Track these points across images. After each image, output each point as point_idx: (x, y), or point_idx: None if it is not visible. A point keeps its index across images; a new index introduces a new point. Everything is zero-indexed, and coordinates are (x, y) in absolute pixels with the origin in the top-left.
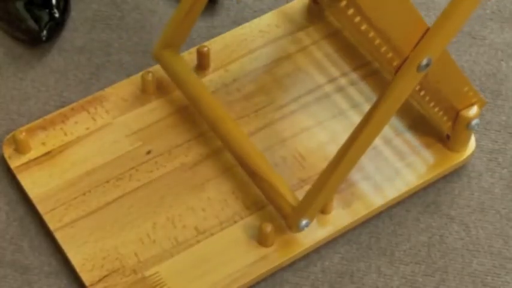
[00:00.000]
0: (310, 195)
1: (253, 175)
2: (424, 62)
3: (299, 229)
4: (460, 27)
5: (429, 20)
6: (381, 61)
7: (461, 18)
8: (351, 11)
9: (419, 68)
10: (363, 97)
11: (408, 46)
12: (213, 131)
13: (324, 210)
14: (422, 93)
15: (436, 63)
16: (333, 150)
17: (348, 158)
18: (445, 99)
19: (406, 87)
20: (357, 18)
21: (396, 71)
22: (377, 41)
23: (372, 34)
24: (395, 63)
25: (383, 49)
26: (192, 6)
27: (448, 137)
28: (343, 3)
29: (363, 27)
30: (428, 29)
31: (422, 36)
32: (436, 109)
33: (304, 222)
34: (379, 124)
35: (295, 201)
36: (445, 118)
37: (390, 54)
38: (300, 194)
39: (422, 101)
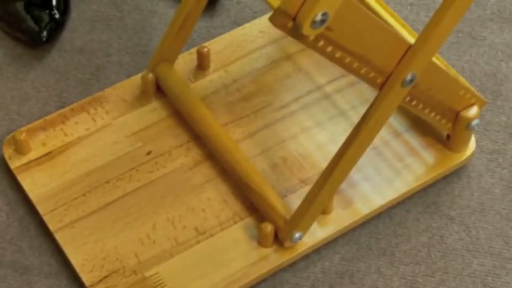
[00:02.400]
0: (302, 209)
1: (247, 188)
2: (409, 77)
3: (292, 242)
4: (443, 41)
5: None
6: (363, 80)
7: (443, 33)
8: (321, 43)
9: (403, 84)
10: (363, 98)
11: (390, 64)
12: (208, 143)
13: (324, 211)
14: (414, 102)
15: (424, 74)
16: (332, 150)
17: (338, 171)
18: (440, 104)
19: (391, 102)
20: (329, 48)
21: (380, 87)
22: (355, 65)
23: (348, 59)
24: (379, 81)
25: (363, 71)
26: (185, 21)
27: (448, 137)
28: (311, 38)
29: (338, 55)
30: (410, 46)
31: (405, 53)
32: (432, 114)
33: (297, 235)
34: (367, 138)
35: (288, 213)
36: (443, 121)
37: (372, 74)
38: (300, 195)
39: (415, 109)
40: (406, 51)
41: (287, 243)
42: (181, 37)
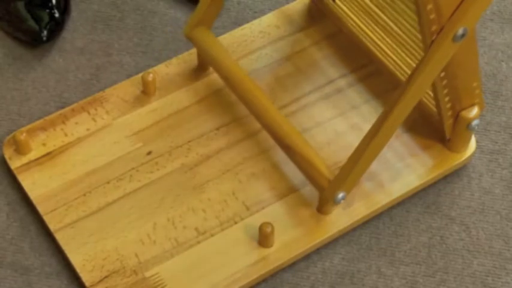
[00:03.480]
0: (347, 168)
1: (289, 150)
2: (460, 31)
3: (336, 202)
4: None
5: None
6: (423, 20)
7: None
8: None
9: (455, 38)
10: (363, 98)
11: (450, 8)
12: (247, 106)
13: (324, 211)
14: (442, 74)
15: (466, 42)
16: (333, 150)
17: (384, 129)
18: (457, 88)
19: (442, 56)
20: None
21: (432, 42)
22: None
23: None
24: (433, 28)
25: (429, 7)
26: None
27: (448, 140)
28: None
29: None
30: None
31: (460, 3)
32: (447, 98)
33: (340, 195)
34: (415, 94)
35: (331, 174)
36: (449, 113)
37: (433, 15)
38: (301, 195)
39: (439, 84)
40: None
41: (331, 204)
42: (218, 0)
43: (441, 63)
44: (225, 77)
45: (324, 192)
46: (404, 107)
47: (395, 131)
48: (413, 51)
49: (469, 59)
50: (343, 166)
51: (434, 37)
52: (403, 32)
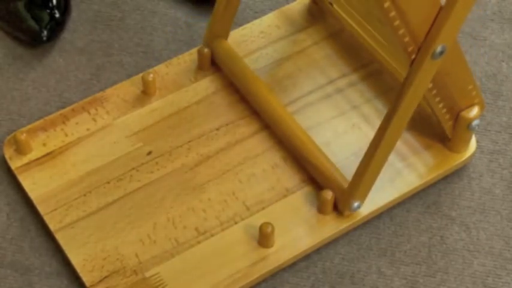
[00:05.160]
0: (358, 177)
1: (302, 159)
2: (438, 49)
3: (351, 211)
4: (470, 7)
5: None
6: (398, 43)
7: None
8: None
9: (433, 56)
10: (363, 98)
11: (423, 29)
12: (262, 114)
13: (324, 211)
14: (430, 85)
15: (449, 54)
16: (333, 150)
17: (383, 145)
18: (450, 95)
19: (424, 76)
20: None
21: (411, 63)
22: (397, 22)
23: (393, 14)
24: (410, 49)
25: (401, 31)
26: None
27: (449, 140)
28: None
29: (386, 5)
30: (441, 8)
31: (435, 19)
32: (441, 105)
33: (355, 204)
34: (407, 110)
35: (345, 182)
36: (447, 116)
37: (407, 39)
38: (301, 195)
39: (429, 95)
40: (437, 14)
41: (346, 213)
42: (229, 10)
43: (425, 79)
44: (243, 88)
45: (339, 203)
46: (399, 124)
47: (395, 144)
48: (402, 61)
49: (456, 68)
50: (353, 176)
51: (413, 56)
52: (389, 44)
